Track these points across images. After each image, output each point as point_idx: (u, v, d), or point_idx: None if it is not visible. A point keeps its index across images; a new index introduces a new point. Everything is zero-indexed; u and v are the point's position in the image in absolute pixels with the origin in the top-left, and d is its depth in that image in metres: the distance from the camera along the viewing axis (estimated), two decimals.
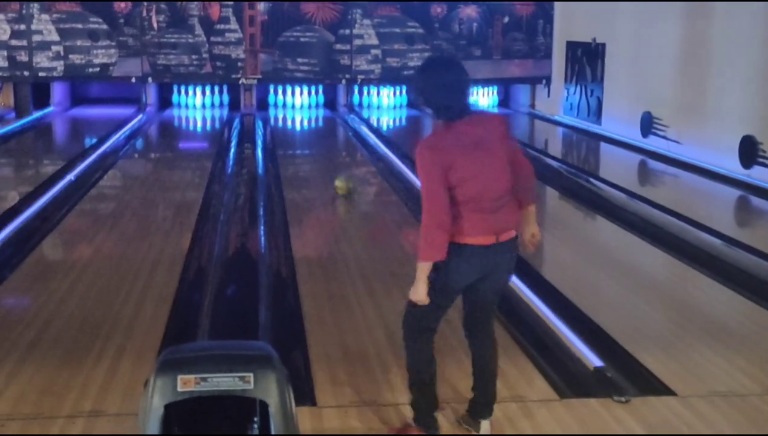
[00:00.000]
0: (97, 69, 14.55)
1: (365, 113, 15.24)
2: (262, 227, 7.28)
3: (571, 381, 4.18)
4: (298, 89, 15.61)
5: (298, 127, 14.55)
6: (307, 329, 4.81)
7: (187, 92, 15.55)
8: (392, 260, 6.28)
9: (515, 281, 5.64)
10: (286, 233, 7.04)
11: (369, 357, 4.40)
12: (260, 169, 9.94)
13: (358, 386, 4.05)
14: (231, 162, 10.43)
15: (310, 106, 15.81)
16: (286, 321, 5.02)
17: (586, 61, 13.88)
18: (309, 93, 15.75)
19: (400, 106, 15.98)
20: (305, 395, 3.90)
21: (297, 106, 15.75)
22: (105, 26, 14.46)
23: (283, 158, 10.75)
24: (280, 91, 15.68)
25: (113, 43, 14.54)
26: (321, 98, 15.88)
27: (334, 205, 8.30)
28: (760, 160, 9.14)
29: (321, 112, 15.60)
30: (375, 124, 14.25)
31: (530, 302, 5.27)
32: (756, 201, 8.72)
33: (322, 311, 5.14)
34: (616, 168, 10.85)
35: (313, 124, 14.90)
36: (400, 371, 4.20)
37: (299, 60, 14.82)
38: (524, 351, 4.54)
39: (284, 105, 15.78)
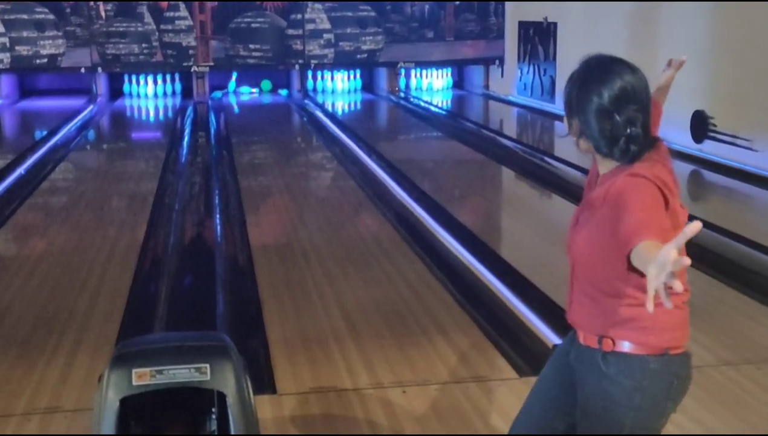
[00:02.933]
0: (45, 60, 14.31)
1: (319, 98, 15.17)
2: (217, 216, 7.22)
3: (530, 359, 4.20)
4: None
5: (252, 114, 14.44)
6: (266, 317, 4.78)
7: (138, 81, 15.33)
8: (350, 244, 6.27)
9: (472, 261, 5.67)
10: (242, 221, 6.98)
11: (328, 343, 4.39)
12: (214, 158, 9.85)
13: (318, 372, 4.04)
14: (185, 151, 10.33)
15: (263, 92, 15.72)
16: (244, 309, 4.98)
17: (539, 40, 13.93)
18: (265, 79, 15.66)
19: (354, 90, 15.93)
20: (265, 384, 3.87)
21: (252, 93, 15.64)
22: (51, 16, 14.20)
23: (237, 146, 10.66)
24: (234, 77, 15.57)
25: (60, 34, 14.30)
26: (267, 85, 15.79)
27: (290, 191, 8.25)
28: (711, 134, 9.25)
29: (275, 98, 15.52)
30: (330, 109, 14.19)
31: (488, 282, 5.29)
32: (708, 175, 8.83)
33: (280, 297, 5.11)
34: (571, 146, 10.89)
35: (268, 110, 14.80)
36: (359, 356, 4.20)
37: (251, 46, 14.69)
38: (483, 331, 4.56)
39: (238, 92, 15.67)
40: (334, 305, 4.96)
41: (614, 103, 2.14)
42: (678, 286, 1.72)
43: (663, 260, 1.72)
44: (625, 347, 2.18)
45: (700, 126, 9.37)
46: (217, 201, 7.72)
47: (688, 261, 1.71)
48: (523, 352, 4.31)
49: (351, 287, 5.25)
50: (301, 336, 4.50)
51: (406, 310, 4.89)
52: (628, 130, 2.14)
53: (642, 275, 2.10)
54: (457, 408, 3.68)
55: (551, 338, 4.38)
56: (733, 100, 8.97)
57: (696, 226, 1.70)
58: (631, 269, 2.08)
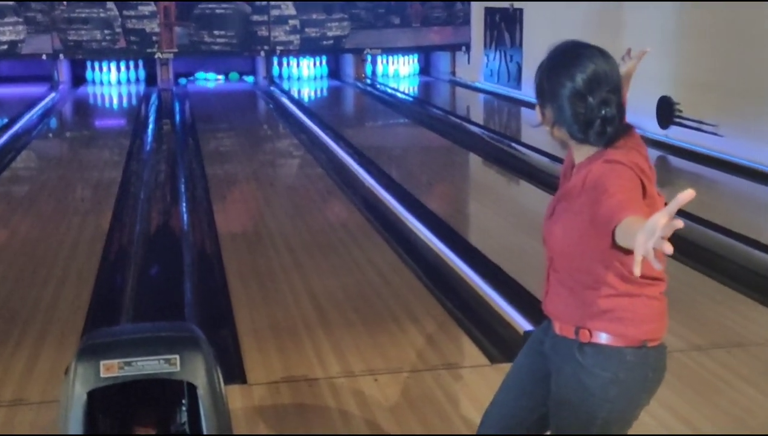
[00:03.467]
0: (5, 47, 14.06)
1: (285, 85, 15.06)
2: (184, 204, 7.13)
3: (501, 346, 4.19)
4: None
5: (218, 100, 14.30)
6: (234, 306, 4.73)
7: (101, 68, 15.12)
8: (318, 232, 6.22)
9: (442, 248, 5.64)
10: (209, 209, 6.91)
11: (298, 331, 4.34)
12: (180, 145, 9.74)
13: (288, 362, 3.99)
14: (150, 139, 10.19)
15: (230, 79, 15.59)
16: (212, 298, 4.92)
17: (505, 26, 13.93)
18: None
19: (321, 76, 15.83)
20: (234, 374, 3.82)
21: (217, 80, 15.50)
22: (11, 2, 13.95)
23: (203, 133, 10.54)
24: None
25: (21, 20, 14.05)
26: (234, 76, 15.65)
27: (257, 178, 8.18)
28: (677, 120, 9.30)
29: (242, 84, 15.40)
30: (296, 95, 14.09)
31: (458, 268, 5.27)
32: (674, 161, 8.88)
33: (248, 286, 5.05)
34: (537, 133, 10.90)
35: (233, 97, 14.66)
36: (330, 345, 4.17)
37: (216, 32, 14.55)
38: (454, 317, 4.54)
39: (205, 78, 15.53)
40: (304, 293, 4.91)
41: (587, 86, 2.10)
42: (668, 248, 1.67)
43: (653, 225, 1.68)
44: (603, 338, 2.15)
45: (666, 112, 9.42)
46: (183, 189, 7.63)
47: (680, 223, 1.67)
48: (494, 338, 4.30)
49: (320, 275, 5.21)
50: (271, 325, 4.45)
51: (376, 297, 4.86)
52: (603, 112, 2.11)
53: (622, 264, 2.07)
54: (429, 396, 3.66)
55: (522, 323, 4.37)
56: (698, 85, 9.02)
57: (689, 193, 1.66)
58: (611, 259, 2.06)
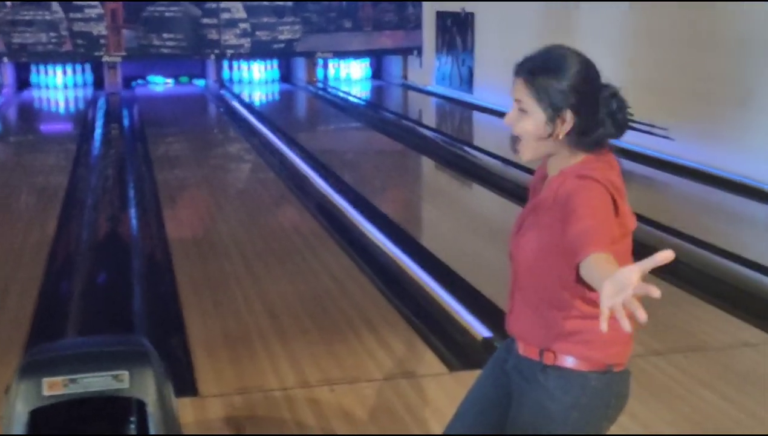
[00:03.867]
0: None
1: (236, 88, 14.89)
2: (132, 210, 6.97)
3: (460, 353, 4.13)
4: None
5: (168, 104, 14.09)
6: (186, 315, 4.60)
7: (46, 72, 14.80)
8: (272, 237, 6.10)
9: (397, 253, 5.56)
10: (158, 215, 6.75)
11: (252, 341, 4.23)
12: (128, 150, 9.55)
13: (242, 372, 3.88)
14: (97, 143, 9.98)
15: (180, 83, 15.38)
16: (162, 308, 4.79)
17: (457, 31, 13.92)
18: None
19: (272, 80, 15.69)
20: (186, 386, 3.70)
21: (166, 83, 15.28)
22: None
23: (152, 138, 10.35)
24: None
25: None
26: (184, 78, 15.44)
27: (208, 183, 8.03)
28: (628, 123, 9.32)
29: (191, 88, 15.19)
30: (247, 99, 13.93)
31: (413, 274, 5.19)
32: (626, 164, 8.90)
33: (200, 294, 4.93)
34: (490, 136, 10.92)
35: (183, 101, 14.46)
36: (284, 354, 4.06)
37: (165, 35, 14.33)
38: (411, 324, 4.46)
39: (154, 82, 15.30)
40: (257, 301, 4.80)
41: (597, 84, 2.06)
42: (641, 315, 1.58)
43: (623, 281, 1.60)
44: (568, 362, 2.07)
45: None
46: (132, 195, 7.46)
47: (655, 292, 1.57)
48: (452, 345, 4.24)
49: (274, 282, 5.10)
50: (224, 335, 4.33)
51: (331, 305, 4.76)
52: (615, 103, 2.07)
53: (590, 287, 2.00)
54: (388, 406, 3.58)
55: (479, 329, 4.31)
56: (649, 88, 9.07)
57: (667, 254, 1.59)
58: (579, 279, 1.98)
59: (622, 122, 2.07)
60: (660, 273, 5.14)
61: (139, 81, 15.23)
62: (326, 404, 3.57)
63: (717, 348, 4.18)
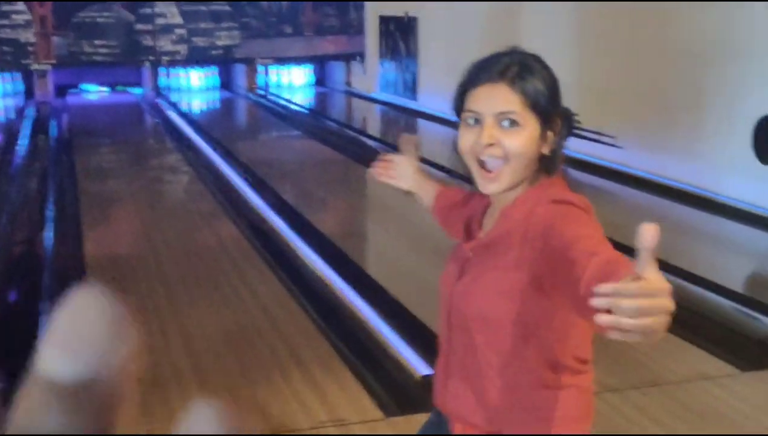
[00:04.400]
0: None
1: (173, 97, 14.39)
2: (50, 227, 6.47)
3: (397, 394, 3.75)
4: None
5: (101, 114, 13.53)
6: None
7: None
8: (198, 260, 5.68)
9: (333, 278, 5.17)
10: (78, 235, 6.27)
11: (168, 386, 3.80)
12: (52, 162, 9.03)
13: (150, 424, 3.45)
14: (21, 155, 9.44)
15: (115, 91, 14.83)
16: None
17: (400, 36, 13.58)
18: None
19: (211, 88, 15.21)
20: None
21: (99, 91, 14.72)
22: None
23: (81, 149, 9.83)
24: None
25: None
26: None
27: (135, 199, 7.56)
28: (576, 131, 9.05)
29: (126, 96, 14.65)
30: (184, 108, 13.44)
31: (350, 302, 4.79)
32: (573, 173, 8.63)
33: None
34: (435, 145, 10.58)
35: (117, 110, 13.91)
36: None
37: (97, 42, 13.78)
38: (344, 360, 4.06)
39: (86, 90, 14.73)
40: (177, 336, 4.36)
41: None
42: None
43: (655, 289, 1.21)
44: None
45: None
46: (51, 211, 6.96)
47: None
48: (389, 385, 3.85)
49: (197, 313, 4.68)
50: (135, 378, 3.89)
51: (258, 339, 4.35)
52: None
53: (560, 342, 1.62)
54: None
55: (418, 366, 3.94)
56: (597, 96, 8.81)
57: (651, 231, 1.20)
58: (547, 333, 1.60)
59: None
60: None
61: (73, 90, 14.66)
62: None
63: (674, 382, 3.86)
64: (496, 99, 1.62)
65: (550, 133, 1.64)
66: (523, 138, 1.62)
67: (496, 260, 1.64)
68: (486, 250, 1.69)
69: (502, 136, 1.62)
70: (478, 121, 1.63)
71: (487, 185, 1.64)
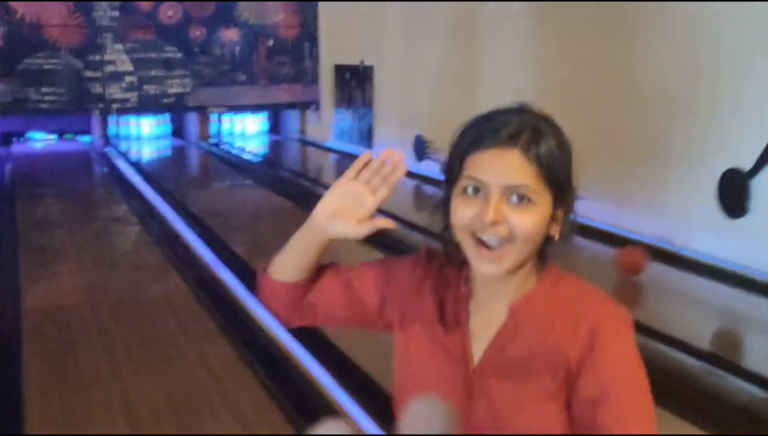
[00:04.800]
0: None
1: (123, 145, 14.02)
2: None
3: None
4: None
5: (47, 163, 13.10)
6: (27, 429, 3.79)
7: None
8: (143, 321, 5.33)
9: (285, 339, 4.86)
10: (15, 293, 5.90)
11: None
12: None
13: None
14: None
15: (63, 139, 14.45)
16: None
17: (356, 84, 13.42)
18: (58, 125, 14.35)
19: (163, 136, 14.88)
20: None
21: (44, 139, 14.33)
22: None
23: (22, 200, 9.44)
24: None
25: None
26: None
27: (79, 254, 7.19)
28: None
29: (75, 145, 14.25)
30: (134, 157, 13.08)
31: (305, 368, 4.49)
32: None
33: (49, 399, 4.11)
34: (393, 197, 10.35)
35: (64, 159, 13.49)
36: None
37: (44, 90, 13.37)
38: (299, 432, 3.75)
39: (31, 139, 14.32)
40: (119, 407, 4.02)
41: None
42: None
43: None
44: None
45: None
46: None
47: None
48: None
49: (140, 381, 4.34)
50: None
51: (206, 407, 4.03)
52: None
53: None
54: None
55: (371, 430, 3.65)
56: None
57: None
58: None
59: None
60: None
61: (19, 138, 14.24)
62: None
63: None
64: (507, 168, 1.33)
65: (560, 212, 1.36)
66: (534, 217, 1.35)
67: (524, 381, 1.32)
68: (508, 366, 1.36)
69: (511, 213, 1.34)
70: (479, 190, 1.35)
71: (485, 266, 1.35)
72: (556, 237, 1.36)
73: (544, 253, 1.40)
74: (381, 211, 1.65)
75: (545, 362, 1.30)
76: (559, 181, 1.36)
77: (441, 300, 1.47)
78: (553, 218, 1.37)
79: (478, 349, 1.40)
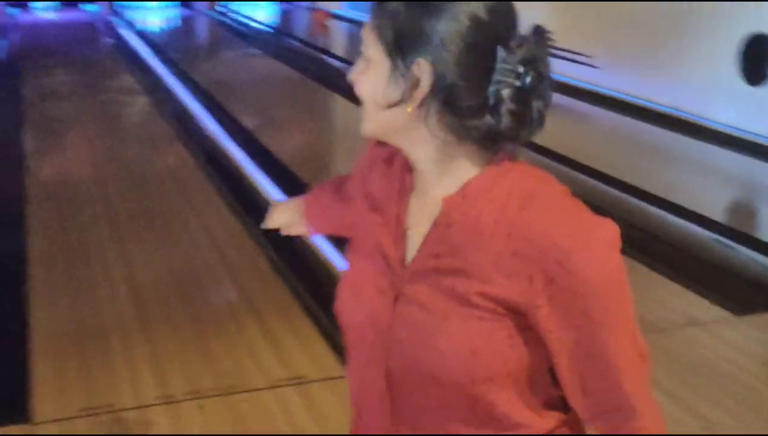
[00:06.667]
0: None
1: (129, 14, 13.71)
2: None
3: None
4: None
5: (50, 33, 12.85)
6: (32, 302, 3.77)
7: None
8: (146, 193, 5.26)
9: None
10: (19, 164, 5.83)
11: (110, 339, 3.42)
12: None
13: (92, 385, 3.10)
14: None
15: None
16: (4, 288, 3.94)
17: None
18: None
19: (170, 5, 14.55)
20: (16, 408, 2.93)
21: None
22: None
23: (27, 72, 9.27)
24: None
25: None
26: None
27: (84, 126, 7.09)
28: (552, 51, 8.65)
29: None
30: (140, 26, 12.80)
31: (311, 242, 4.43)
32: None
33: (53, 272, 4.08)
34: None
35: (69, 29, 13.24)
36: (148, 358, 3.28)
37: None
38: (305, 308, 3.69)
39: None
40: (122, 281, 3.98)
41: (498, 28, 1.14)
42: None
43: None
44: None
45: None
46: None
47: None
48: None
49: (145, 253, 4.29)
50: (75, 330, 3.53)
51: (211, 283, 4.00)
52: (526, 76, 1.13)
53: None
54: (269, 423, 2.86)
55: None
56: (573, 15, 8.39)
57: None
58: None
59: (532, 118, 1.16)
60: None
61: (22, 6, 13.98)
62: (192, 426, 2.83)
63: (660, 329, 3.55)
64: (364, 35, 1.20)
65: (412, 77, 1.15)
66: (366, 78, 1.20)
67: (451, 288, 1.15)
68: (434, 271, 1.18)
69: (359, 73, 1.21)
70: None
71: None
72: (409, 109, 1.16)
73: (489, 139, 1.16)
74: None
75: (480, 278, 1.14)
76: (406, 49, 1.15)
77: (387, 189, 1.31)
78: (407, 81, 1.15)
79: (411, 248, 1.24)
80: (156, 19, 13.80)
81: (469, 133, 1.15)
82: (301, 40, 11.84)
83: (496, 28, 1.14)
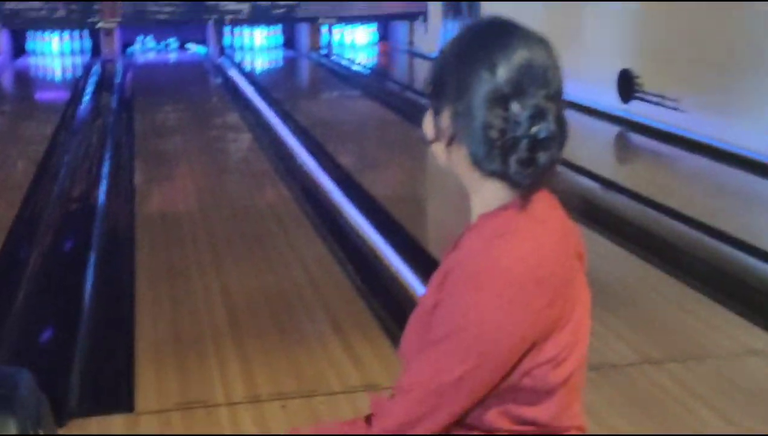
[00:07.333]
0: None
1: (237, 56, 14.41)
2: (104, 184, 6.54)
3: None
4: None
5: (163, 72, 13.63)
6: (138, 310, 4.19)
7: (43, 38, 14.39)
8: (247, 222, 5.68)
9: (380, 244, 5.10)
10: (130, 193, 6.34)
11: (205, 344, 3.81)
12: (113, 120, 9.13)
13: (187, 383, 3.48)
14: (84, 112, 9.57)
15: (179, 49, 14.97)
16: (113, 299, 4.39)
17: None
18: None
19: (275, 47, 15.21)
20: (121, 400, 3.32)
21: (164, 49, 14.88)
22: None
23: (141, 107, 9.93)
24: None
25: None
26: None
27: (190, 160, 7.61)
28: (638, 94, 8.82)
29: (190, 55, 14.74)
30: (247, 67, 13.45)
31: (396, 269, 4.70)
32: (634, 137, 8.42)
33: (157, 286, 4.51)
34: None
35: (181, 69, 14.02)
36: (238, 361, 3.64)
37: (162, 1, 13.83)
38: (385, 329, 3.96)
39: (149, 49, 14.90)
40: (219, 296, 4.38)
41: (513, 83, 1.35)
42: None
43: None
44: None
45: (627, 85, 8.94)
46: (106, 168, 7.04)
47: None
48: None
49: (240, 275, 4.68)
50: (175, 336, 3.93)
51: (299, 302, 4.34)
52: (535, 128, 1.35)
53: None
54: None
55: None
56: (660, 57, 8.55)
57: None
58: None
59: (527, 159, 1.36)
60: (660, 264, 4.71)
61: (136, 46, 14.85)
62: (274, 424, 3.16)
63: (721, 357, 3.73)
64: None
65: (444, 126, 1.43)
66: (428, 125, 1.47)
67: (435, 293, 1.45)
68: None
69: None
70: None
71: None
72: (442, 146, 1.43)
73: (526, 168, 1.37)
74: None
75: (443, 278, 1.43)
76: (441, 98, 1.42)
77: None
78: (440, 120, 1.43)
79: None
80: (262, 60, 14.46)
81: (489, 172, 1.40)
82: (399, 83, 12.25)
83: (513, 84, 1.36)
